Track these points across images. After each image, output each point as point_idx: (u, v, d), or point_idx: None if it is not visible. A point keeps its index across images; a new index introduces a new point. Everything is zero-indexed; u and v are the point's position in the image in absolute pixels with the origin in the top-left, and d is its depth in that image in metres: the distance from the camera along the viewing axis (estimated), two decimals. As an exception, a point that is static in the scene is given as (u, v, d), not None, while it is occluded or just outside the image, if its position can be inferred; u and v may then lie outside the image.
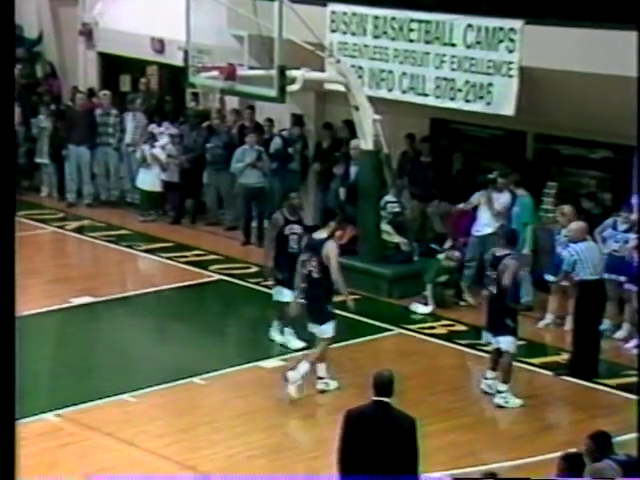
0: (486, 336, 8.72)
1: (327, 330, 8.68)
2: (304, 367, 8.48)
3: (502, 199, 10.81)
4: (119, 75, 15.52)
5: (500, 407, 8.50)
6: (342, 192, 12.37)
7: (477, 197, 10.94)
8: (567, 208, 10.04)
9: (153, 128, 13.82)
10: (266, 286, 11.34)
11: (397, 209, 11.46)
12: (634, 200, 10.09)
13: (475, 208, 10.97)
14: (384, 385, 5.71)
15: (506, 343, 8.48)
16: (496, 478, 5.64)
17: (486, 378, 8.65)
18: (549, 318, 10.33)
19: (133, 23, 14.36)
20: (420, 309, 10.65)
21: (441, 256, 10.99)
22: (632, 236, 9.74)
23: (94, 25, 15.34)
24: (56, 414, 8.06)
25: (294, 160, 13.16)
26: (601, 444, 5.82)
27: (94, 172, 14.40)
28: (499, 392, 8.52)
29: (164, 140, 13.59)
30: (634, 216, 9.80)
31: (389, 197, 11.54)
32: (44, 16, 15.78)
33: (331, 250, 8.58)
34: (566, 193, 10.88)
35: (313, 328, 8.77)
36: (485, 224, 10.73)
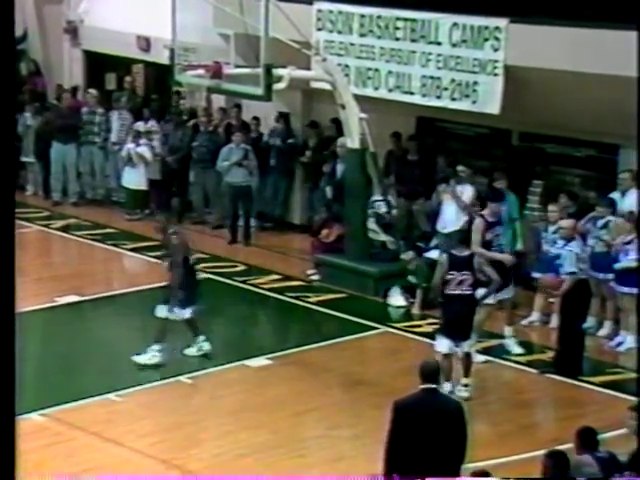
0: (446, 343, 8.50)
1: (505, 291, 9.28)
2: (506, 330, 9.46)
3: (467, 191, 10.85)
4: (104, 73, 15.46)
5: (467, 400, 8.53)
6: (329, 190, 12.38)
7: (439, 192, 10.97)
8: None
9: (138, 126, 13.79)
10: (254, 285, 11.37)
11: (384, 208, 11.47)
12: (614, 195, 10.12)
13: (438, 204, 11.02)
14: (431, 372, 5.99)
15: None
16: (488, 476, 5.64)
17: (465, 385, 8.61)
18: (535, 316, 10.37)
19: (119, 21, 14.31)
20: (399, 301, 10.67)
21: (403, 256, 10.92)
22: (604, 233, 9.79)
23: (79, 23, 15.28)
24: (42, 413, 8.03)
25: (275, 156, 13.14)
26: (585, 440, 5.86)
27: (79, 171, 14.35)
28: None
29: (145, 138, 13.55)
30: (626, 212, 9.76)
31: (377, 196, 11.56)
32: (29, 13, 15.70)
33: (476, 226, 9.33)
34: (551, 191, 10.93)
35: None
36: (451, 220, 10.73)
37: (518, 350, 9.56)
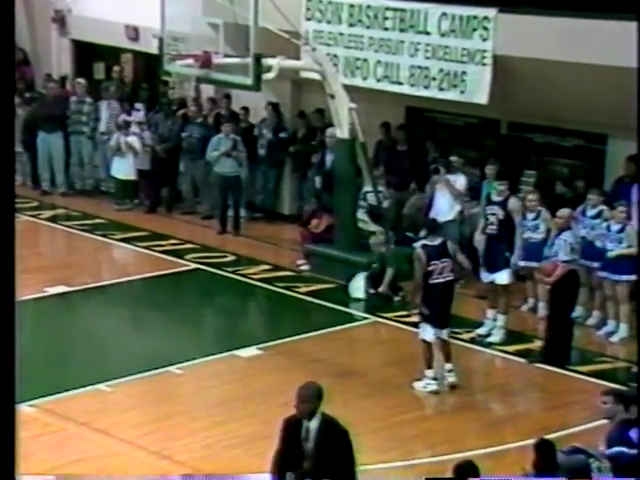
0: (431, 331, 8.56)
1: (503, 277, 9.41)
2: (500, 318, 9.52)
3: (459, 180, 10.86)
4: (93, 63, 15.40)
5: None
6: (318, 180, 12.38)
7: (431, 183, 10.97)
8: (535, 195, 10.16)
9: (126, 116, 13.74)
10: (244, 275, 11.38)
11: (375, 199, 11.46)
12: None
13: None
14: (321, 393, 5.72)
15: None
16: (473, 467, 5.62)
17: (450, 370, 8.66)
18: (531, 302, 10.37)
19: (107, 10, 14.25)
20: (358, 293, 10.68)
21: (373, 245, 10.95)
22: (597, 222, 9.82)
23: (67, 12, 15.21)
24: (31, 404, 8.02)
25: (265, 147, 13.13)
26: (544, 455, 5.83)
27: (69, 161, 14.31)
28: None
29: (134, 128, 13.51)
30: (620, 207, 9.70)
31: (367, 187, 11.57)
32: (16, 2, 15.58)
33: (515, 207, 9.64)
34: (544, 181, 10.96)
35: (489, 277, 9.30)
36: (444, 210, 10.73)
37: (498, 340, 9.56)
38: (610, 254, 9.60)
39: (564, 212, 9.39)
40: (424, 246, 8.63)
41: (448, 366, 8.63)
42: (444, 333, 8.61)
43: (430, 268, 8.49)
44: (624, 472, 5.76)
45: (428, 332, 8.56)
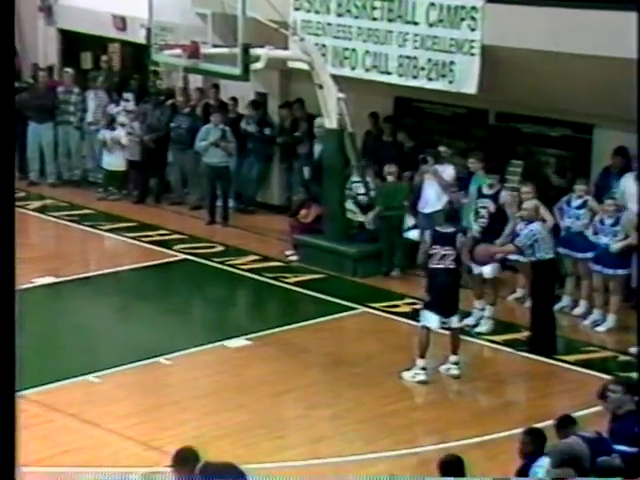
0: (435, 318, 8.54)
1: (491, 271, 9.48)
2: (488, 309, 9.63)
3: (447, 171, 10.87)
4: (80, 52, 15.32)
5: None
6: (306, 171, 12.38)
7: (419, 173, 10.98)
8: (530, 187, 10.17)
9: (111, 109, 13.68)
10: (232, 265, 11.39)
11: (362, 189, 11.47)
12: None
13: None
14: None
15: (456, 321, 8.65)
16: (458, 461, 5.57)
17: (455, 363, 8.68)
18: (520, 293, 10.40)
19: (93, 0, 14.17)
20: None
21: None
22: (582, 212, 9.84)
23: (53, 1, 15.11)
24: (19, 395, 7.99)
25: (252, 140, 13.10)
26: (537, 441, 5.83)
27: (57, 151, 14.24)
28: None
29: (122, 118, 13.45)
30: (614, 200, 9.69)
31: (355, 177, 11.57)
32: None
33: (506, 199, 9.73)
34: (531, 171, 10.97)
35: (477, 269, 9.43)
36: (432, 200, 10.73)
37: (486, 330, 9.59)
38: (613, 249, 9.49)
39: (529, 204, 9.42)
40: (434, 231, 8.70)
41: (453, 358, 8.63)
42: (453, 322, 8.58)
43: (431, 252, 8.55)
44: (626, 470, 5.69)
45: (430, 319, 8.55)
